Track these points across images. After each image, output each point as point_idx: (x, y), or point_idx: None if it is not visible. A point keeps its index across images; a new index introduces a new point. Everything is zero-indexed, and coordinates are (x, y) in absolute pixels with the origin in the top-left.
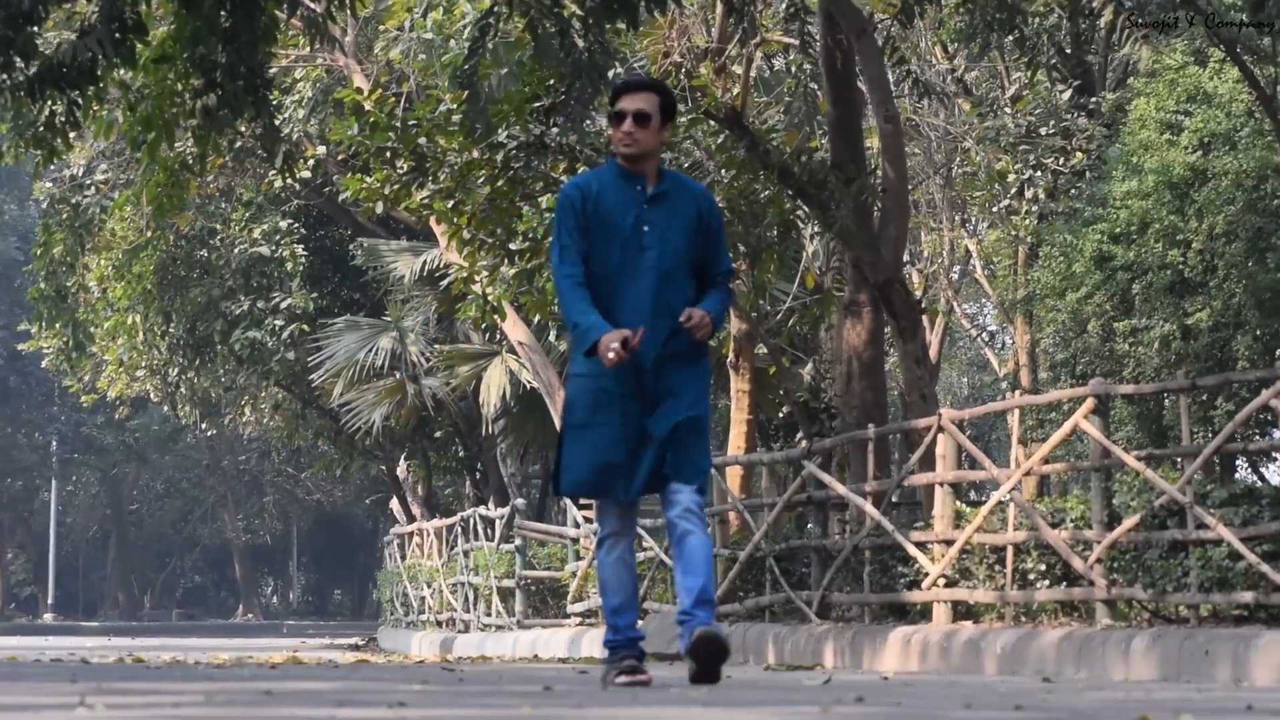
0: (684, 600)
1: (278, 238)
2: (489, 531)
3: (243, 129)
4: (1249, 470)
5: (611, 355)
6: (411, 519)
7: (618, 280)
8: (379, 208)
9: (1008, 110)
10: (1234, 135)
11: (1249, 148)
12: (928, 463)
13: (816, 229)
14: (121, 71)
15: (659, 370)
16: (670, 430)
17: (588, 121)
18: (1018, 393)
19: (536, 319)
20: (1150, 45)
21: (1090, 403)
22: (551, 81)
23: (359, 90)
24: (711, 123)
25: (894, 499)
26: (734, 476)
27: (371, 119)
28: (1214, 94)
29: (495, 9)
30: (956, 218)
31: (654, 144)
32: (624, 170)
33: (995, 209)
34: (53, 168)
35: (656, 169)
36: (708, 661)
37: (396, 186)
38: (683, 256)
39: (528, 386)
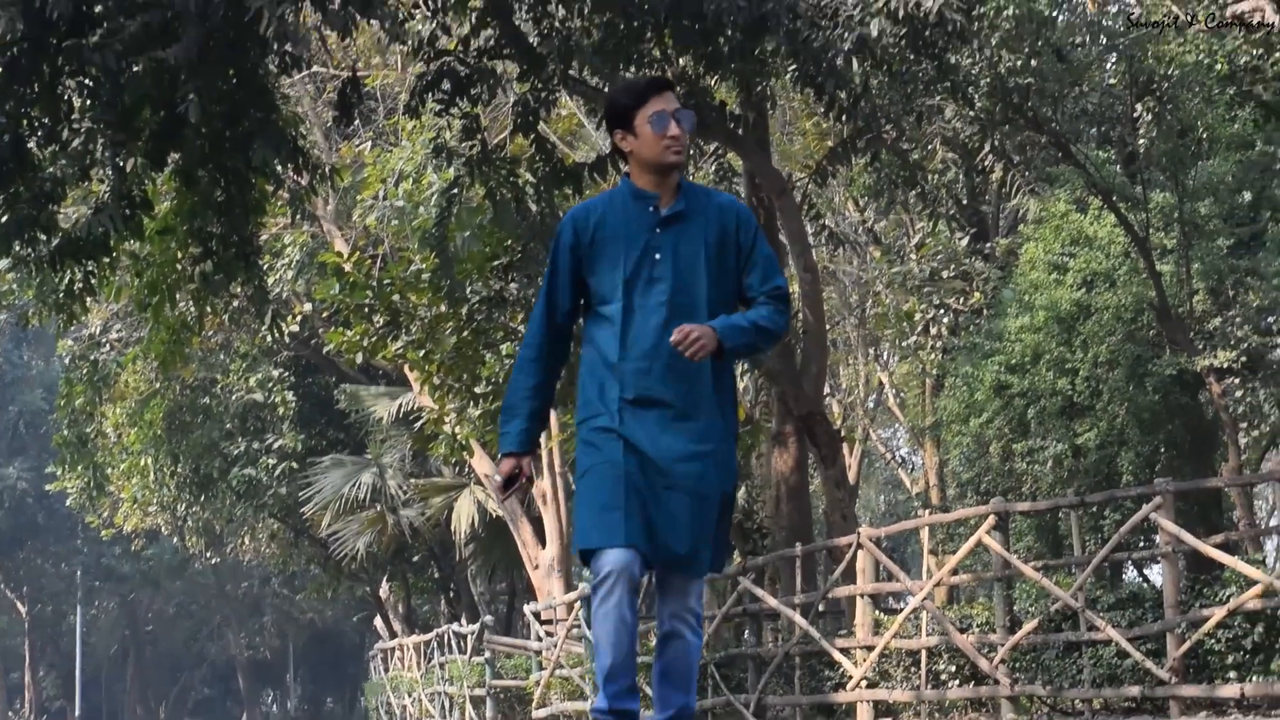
0: (661, 716)
1: (270, 385)
2: (462, 645)
3: (236, 291)
4: (1136, 573)
5: (494, 485)
6: (394, 634)
7: (624, 322)
8: (359, 358)
9: (913, 256)
10: (1113, 274)
11: (1127, 285)
12: (850, 576)
13: (745, 367)
14: (130, 242)
15: (673, 429)
16: (688, 505)
17: (541, 278)
18: (928, 511)
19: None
20: (1036, 196)
21: (992, 520)
22: (509, 242)
23: (339, 254)
24: None
25: (820, 609)
26: None
27: (351, 279)
28: (1094, 237)
29: (459, 179)
30: (870, 353)
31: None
32: (636, 190)
33: (904, 345)
34: (73, 328)
35: (676, 184)
36: None
37: (374, 339)
38: (702, 287)
39: (494, 515)
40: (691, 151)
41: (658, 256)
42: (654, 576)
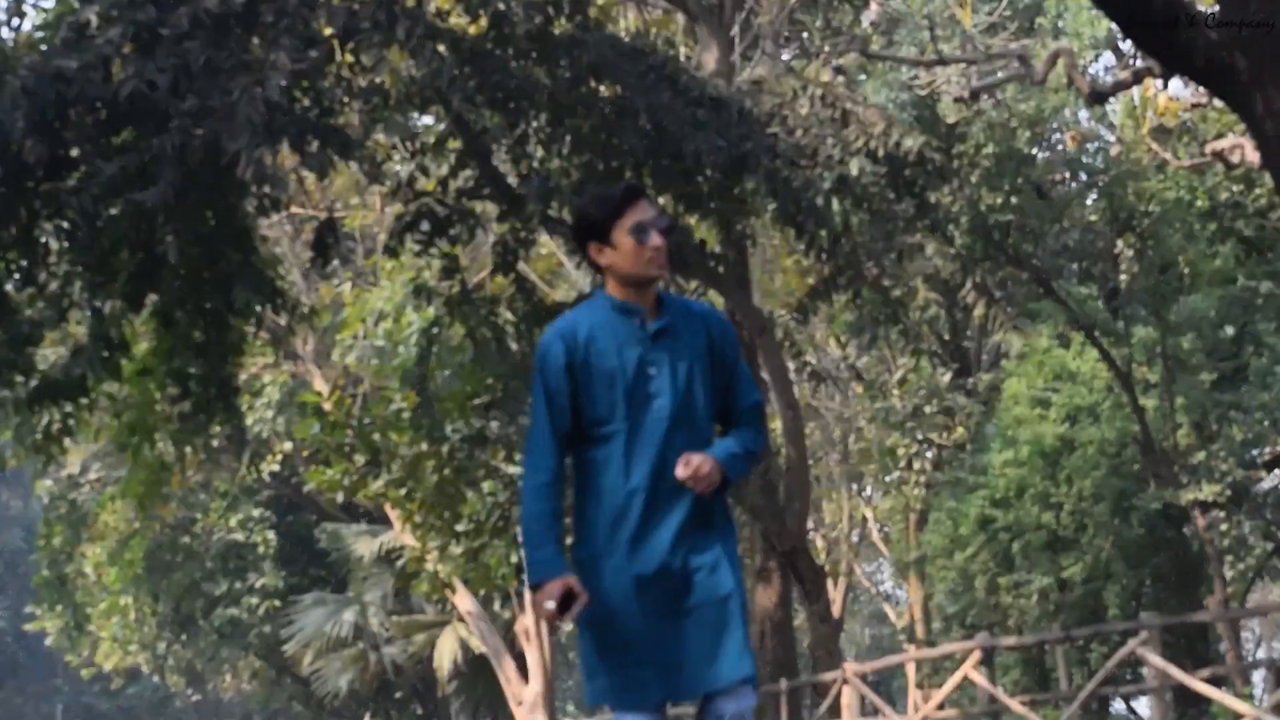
0: None
1: (251, 524)
2: None
3: (215, 431)
4: (1124, 707)
5: (545, 615)
6: None
7: (624, 440)
8: (340, 496)
9: (895, 392)
10: (1097, 409)
11: (1110, 419)
12: (835, 711)
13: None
14: (109, 384)
15: (687, 543)
16: (714, 618)
17: (522, 415)
18: (914, 645)
19: (482, 591)
20: (1018, 331)
21: (977, 654)
22: (490, 380)
23: (319, 393)
24: None
25: None
26: None
27: (331, 418)
28: (1077, 372)
29: (439, 318)
30: (854, 488)
31: None
32: (618, 303)
33: (888, 480)
34: (51, 468)
35: (655, 296)
36: None
37: (355, 477)
38: (700, 400)
39: (477, 652)
40: (670, 288)
41: (652, 372)
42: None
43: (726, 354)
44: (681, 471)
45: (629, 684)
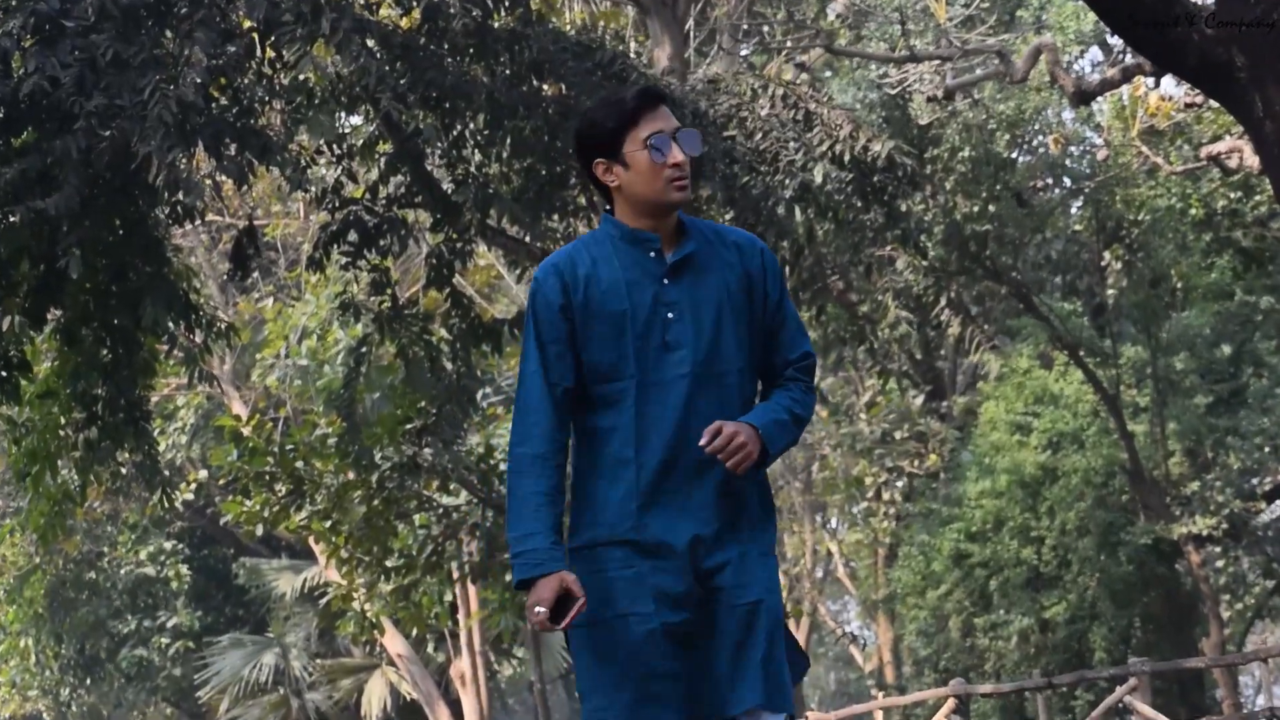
0: None
1: (163, 558)
2: None
3: (124, 458)
4: None
5: (536, 617)
6: None
7: (633, 401)
8: (259, 529)
9: (863, 417)
10: (1082, 434)
11: (1096, 446)
12: None
13: None
14: (8, 407)
15: (699, 538)
16: (739, 623)
17: (458, 441)
18: (882, 692)
19: (414, 632)
20: (997, 351)
21: (952, 702)
22: (423, 404)
23: (237, 417)
24: None
25: None
26: None
27: (250, 444)
28: (1060, 395)
29: (368, 336)
30: (817, 520)
31: None
32: (628, 231)
33: (855, 511)
34: None
35: (676, 222)
36: None
37: (275, 509)
38: (730, 351)
39: (408, 698)
40: None
41: (670, 315)
42: None
43: (769, 292)
44: (708, 442)
45: (636, 703)
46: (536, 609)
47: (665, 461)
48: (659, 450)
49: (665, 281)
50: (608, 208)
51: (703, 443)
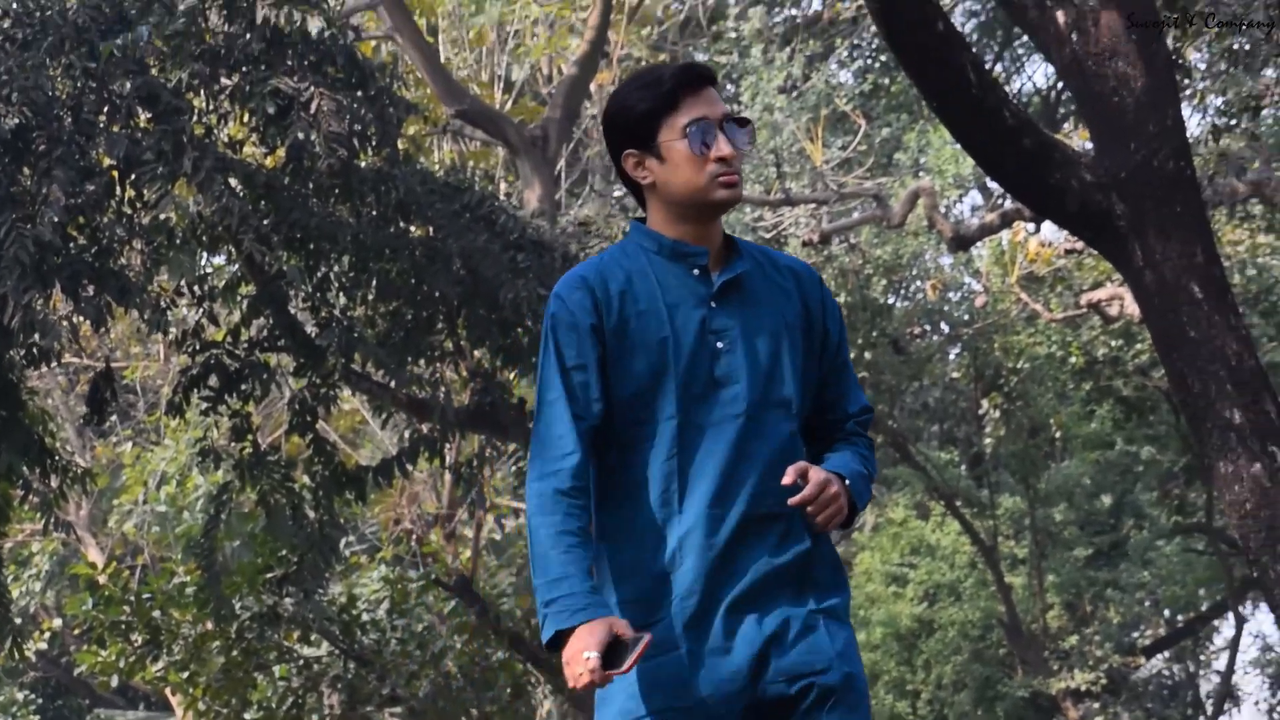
0: None
1: (14, 710)
2: None
3: None
4: None
5: (582, 675)
6: None
7: (681, 447)
8: (114, 680)
9: None
10: (959, 586)
11: (973, 598)
12: None
13: (549, 691)
14: None
15: (763, 613)
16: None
17: (320, 591)
18: None
19: None
20: (872, 501)
21: None
22: (284, 552)
23: (93, 564)
24: (442, 589)
25: None
26: None
27: (105, 593)
28: (937, 546)
29: (228, 483)
30: None
31: None
32: (669, 243)
33: None
34: None
35: (723, 235)
36: None
37: (131, 659)
38: (787, 387)
39: None
40: (488, 453)
41: (720, 345)
42: None
43: (829, 330)
44: (791, 479)
45: None
46: (585, 655)
47: (714, 520)
48: (703, 508)
49: (713, 305)
50: (639, 216)
51: (787, 481)
